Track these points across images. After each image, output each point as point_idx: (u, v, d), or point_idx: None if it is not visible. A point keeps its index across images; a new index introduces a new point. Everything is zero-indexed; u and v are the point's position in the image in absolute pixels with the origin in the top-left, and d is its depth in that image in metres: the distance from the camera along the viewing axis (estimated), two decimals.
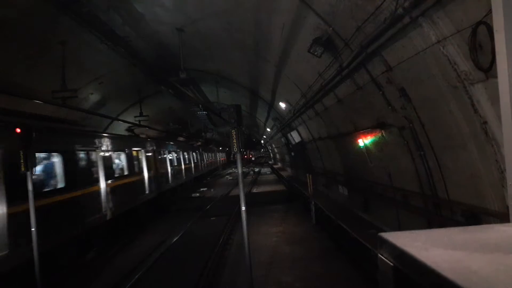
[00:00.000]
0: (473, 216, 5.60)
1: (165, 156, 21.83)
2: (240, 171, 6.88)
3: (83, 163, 11.21)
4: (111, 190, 12.80)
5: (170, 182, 21.93)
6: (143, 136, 21.64)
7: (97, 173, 12.06)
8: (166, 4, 10.74)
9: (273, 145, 49.69)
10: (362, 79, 8.27)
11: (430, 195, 7.14)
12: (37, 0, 8.85)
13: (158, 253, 10.86)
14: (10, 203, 7.28)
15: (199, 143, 38.82)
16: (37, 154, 7.65)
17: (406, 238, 1.41)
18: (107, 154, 13.20)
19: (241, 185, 6.82)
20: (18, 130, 7.16)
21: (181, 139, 31.99)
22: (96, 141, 12.51)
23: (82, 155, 11.22)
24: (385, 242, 1.39)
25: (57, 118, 11.88)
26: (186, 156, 28.87)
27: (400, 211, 8.90)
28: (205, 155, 40.47)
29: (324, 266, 8.74)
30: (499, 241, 1.37)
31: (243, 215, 6.74)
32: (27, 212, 7.04)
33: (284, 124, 22.22)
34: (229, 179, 37.70)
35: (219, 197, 22.68)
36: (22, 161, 6.86)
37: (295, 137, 22.00)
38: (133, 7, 10.70)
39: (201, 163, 36.91)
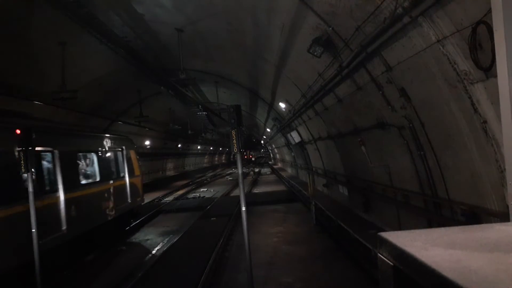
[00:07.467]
0: (473, 215, 5.60)
1: None
2: (240, 171, 6.87)
3: None
4: None
5: None
6: None
7: None
8: (166, 4, 10.73)
9: (273, 145, 49.69)
10: (362, 79, 8.27)
11: (430, 195, 7.13)
12: (37, 0, 8.85)
13: (159, 252, 10.86)
14: None
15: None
16: None
17: (406, 237, 1.40)
18: None
19: (241, 185, 6.81)
20: (18, 131, 7.14)
21: None
22: None
23: None
24: (385, 242, 1.38)
25: None
26: None
27: (400, 211, 8.90)
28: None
29: (325, 266, 8.73)
30: (499, 241, 1.36)
31: (243, 215, 6.73)
32: None
33: (284, 124, 22.21)
34: (230, 180, 37.68)
35: (219, 197, 22.65)
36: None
37: (295, 137, 21.98)
38: (132, 8, 10.69)
39: None
